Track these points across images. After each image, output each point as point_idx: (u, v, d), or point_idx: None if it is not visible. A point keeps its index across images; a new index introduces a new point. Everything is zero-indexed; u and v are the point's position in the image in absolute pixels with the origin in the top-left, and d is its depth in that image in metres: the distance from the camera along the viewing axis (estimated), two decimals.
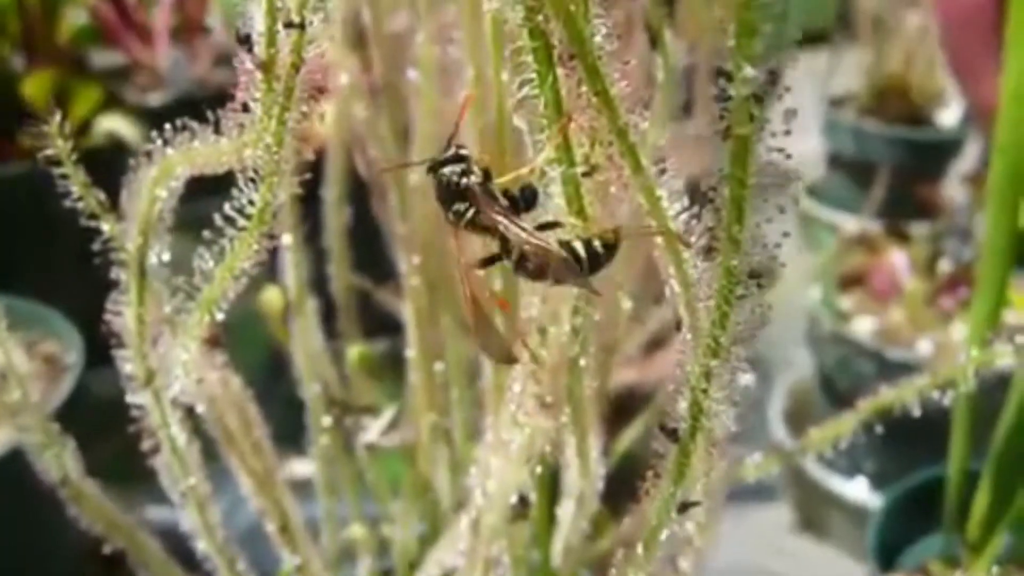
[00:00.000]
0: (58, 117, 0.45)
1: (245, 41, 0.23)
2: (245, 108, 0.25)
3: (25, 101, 1.25)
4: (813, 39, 2.45)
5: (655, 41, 0.39)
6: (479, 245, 0.30)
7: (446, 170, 0.29)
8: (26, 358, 1.03)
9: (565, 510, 0.41)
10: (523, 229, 0.27)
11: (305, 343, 0.52)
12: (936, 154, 1.76)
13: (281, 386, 0.74)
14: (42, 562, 0.91)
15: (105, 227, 0.36)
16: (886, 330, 1.13)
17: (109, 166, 1.43)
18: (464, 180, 0.29)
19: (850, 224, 1.72)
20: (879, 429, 0.58)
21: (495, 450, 0.34)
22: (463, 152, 0.30)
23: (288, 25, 0.22)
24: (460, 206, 0.29)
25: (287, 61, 0.23)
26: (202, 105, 1.42)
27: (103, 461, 0.62)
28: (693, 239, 0.24)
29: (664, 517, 0.26)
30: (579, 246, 0.26)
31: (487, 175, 0.29)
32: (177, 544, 0.57)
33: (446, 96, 0.50)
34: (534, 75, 0.23)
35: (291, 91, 0.23)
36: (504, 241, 0.29)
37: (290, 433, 0.82)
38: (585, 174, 0.25)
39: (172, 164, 0.30)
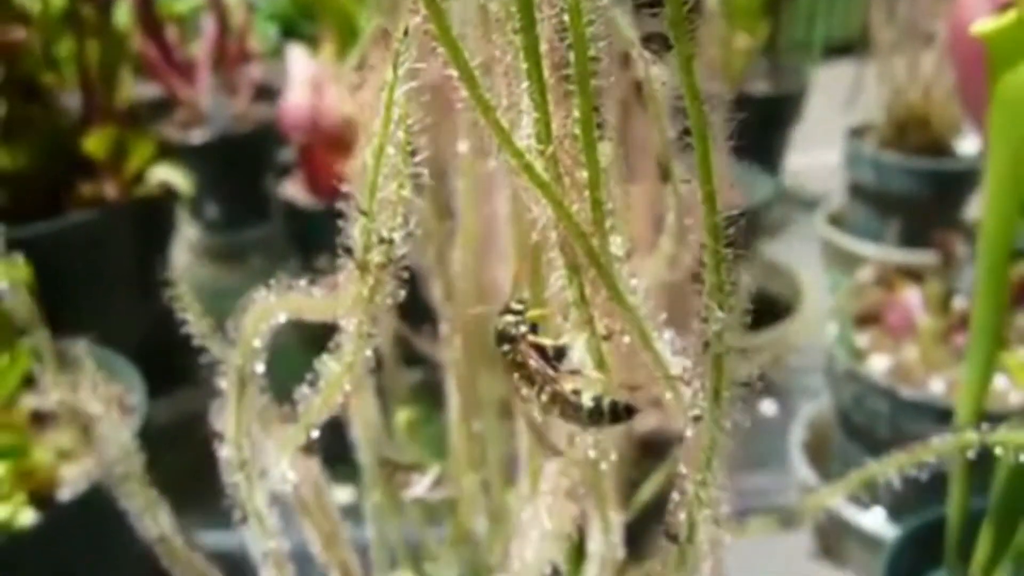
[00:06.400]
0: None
1: (348, 251, 0.31)
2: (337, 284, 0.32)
3: (83, 154, 1.34)
4: (837, 51, 2.49)
5: (666, 175, 0.45)
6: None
7: (503, 319, 0.37)
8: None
9: (590, 571, 0.47)
10: (551, 376, 0.35)
11: (363, 417, 0.59)
12: (956, 183, 1.79)
13: None
14: None
15: (215, 350, 0.43)
16: (900, 368, 1.18)
17: (160, 211, 1.50)
18: (512, 330, 0.37)
19: (871, 251, 1.77)
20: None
21: (531, 526, 0.40)
22: (518, 307, 0.37)
23: (380, 241, 0.29)
24: (507, 347, 0.37)
25: (377, 262, 0.30)
26: (242, 142, 1.53)
27: (158, 488, 0.69)
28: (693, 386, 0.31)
29: None
30: (588, 400, 0.34)
31: (534, 328, 0.37)
32: (231, 567, 0.63)
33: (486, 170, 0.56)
34: (563, 276, 0.30)
35: (380, 283, 0.30)
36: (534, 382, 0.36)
37: (329, 460, 0.88)
38: (604, 338, 0.32)
39: (271, 309, 0.37)
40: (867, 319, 1.27)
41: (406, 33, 0.24)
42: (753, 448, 1.38)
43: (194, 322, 0.43)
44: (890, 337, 1.24)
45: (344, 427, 0.72)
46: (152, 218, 1.41)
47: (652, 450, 0.95)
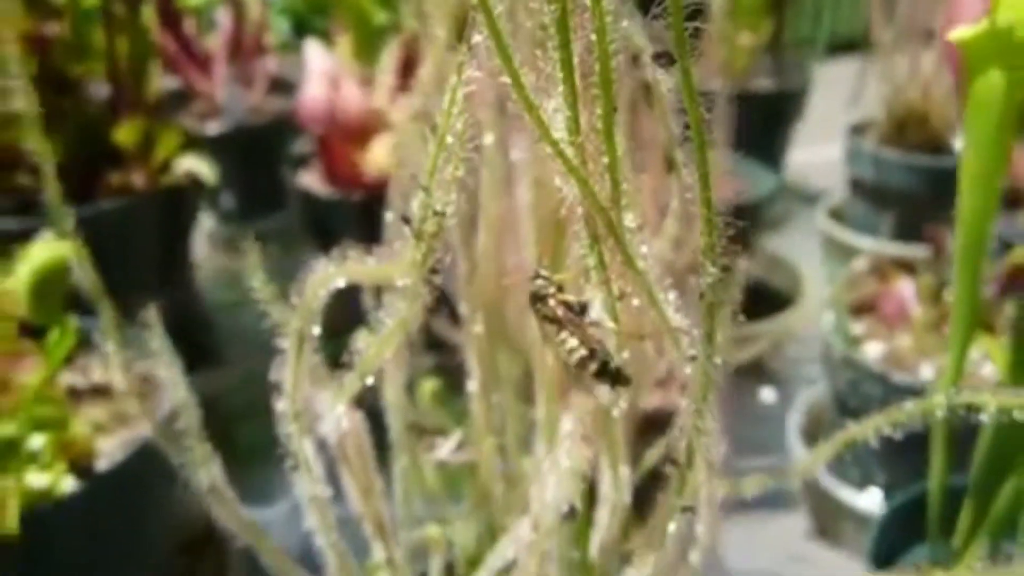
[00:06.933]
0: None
1: (407, 221, 0.36)
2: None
3: (112, 144, 1.40)
4: (842, 48, 2.54)
5: (671, 166, 0.50)
6: None
7: (535, 283, 0.44)
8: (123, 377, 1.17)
9: (601, 515, 0.53)
10: (579, 323, 0.41)
11: (393, 386, 0.65)
12: (953, 179, 1.83)
13: None
14: (138, 553, 1.04)
15: (275, 313, 0.48)
16: (893, 355, 1.23)
17: (184, 200, 1.56)
18: (542, 291, 0.43)
19: (870, 244, 1.82)
20: (888, 441, 0.67)
21: (551, 471, 0.46)
22: (544, 274, 0.44)
23: (435, 213, 0.35)
24: (539, 305, 0.44)
25: (430, 231, 0.35)
26: (257, 134, 1.59)
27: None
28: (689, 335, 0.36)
29: (669, 517, 0.39)
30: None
31: (560, 288, 0.44)
32: None
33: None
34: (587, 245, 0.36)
35: (432, 250, 0.36)
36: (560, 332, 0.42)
37: None
38: (619, 297, 0.38)
39: (331, 275, 0.43)
40: (863, 308, 1.33)
41: (469, 48, 0.30)
42: (753, 434, 1.43)
43: (259, 288, 0.49)
44: (884, 326, 1.29)
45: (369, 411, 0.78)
46: (177, 206, 1.46)
47: (655, 426, 1.01)
